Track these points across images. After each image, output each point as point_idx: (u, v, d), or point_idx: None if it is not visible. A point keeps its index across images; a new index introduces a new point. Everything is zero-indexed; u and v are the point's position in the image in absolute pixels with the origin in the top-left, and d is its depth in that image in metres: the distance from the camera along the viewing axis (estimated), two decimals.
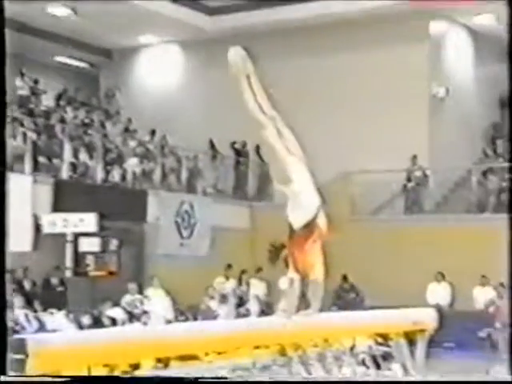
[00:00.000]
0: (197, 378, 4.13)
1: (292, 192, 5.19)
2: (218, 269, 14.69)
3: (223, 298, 13.62)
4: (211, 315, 13.03)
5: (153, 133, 16.94)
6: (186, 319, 12.20)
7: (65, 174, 13.80)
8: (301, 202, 5.16)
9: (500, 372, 10.95)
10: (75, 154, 14.26)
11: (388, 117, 16.80)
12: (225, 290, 14.03)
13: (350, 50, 17.12)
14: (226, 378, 4.03)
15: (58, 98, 16.94)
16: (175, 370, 10.40)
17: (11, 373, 3.48)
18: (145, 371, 9.30)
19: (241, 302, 14.24)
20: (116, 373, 4.34)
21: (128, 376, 3.68)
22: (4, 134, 3.69)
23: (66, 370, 6.57)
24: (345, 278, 14.96)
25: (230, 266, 14.83)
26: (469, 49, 18.42)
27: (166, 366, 10.27)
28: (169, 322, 11.44)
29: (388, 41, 16.92)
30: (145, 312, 11.38)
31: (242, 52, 5.35)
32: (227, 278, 14.60)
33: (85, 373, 7.68)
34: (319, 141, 17.23)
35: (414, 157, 16.44)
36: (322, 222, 5.26)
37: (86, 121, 16.01)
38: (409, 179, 16.51)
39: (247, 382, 4.45)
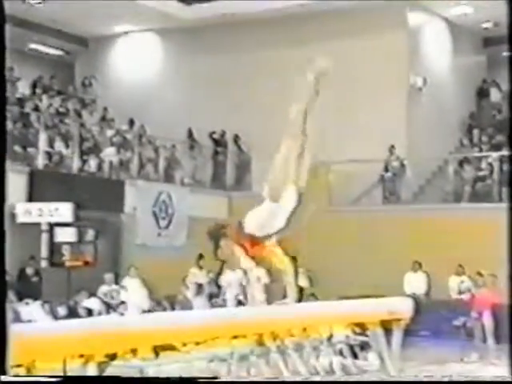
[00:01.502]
0: (196, 378, 4.10)
1: (272, 207, 5.15)
2: (195, 259, 14.64)
3: (199, 288, 13.61)
4: (188, 305, 13.01)
5: (131, 122, 16.83)
6: (164, 309, 12.17)
7: (40, 163, 13.66)
8: (274, 219, 5.13)
9: (474, 360, 11.08)
10: (51, 143, 14.12)
11: (366, 106, 16.84)
12: (199, 280, 13.99)
13: (327, 41, 17.10)
14: (223, 379, 4.00)
15: (33, 85, 16.75)
16: (153, 361, 10.38)
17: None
18: (121, 362, 9.26)
19: (218, 291, 14.21)
20: (91, 364, 4.29)
21: (127, 376, 3.64)
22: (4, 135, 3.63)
23: (41, 360, 6.52)
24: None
25: (201, 256, 14.68)
26: (446, 39, 18.49)
27: (143, 356, 10.24)
28: (145, 312, 11.39)
29: (366, 31, 16.94)
30: (122, 302, 11.32)
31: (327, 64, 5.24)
32: (200, 268, 14.46)
33: (60, 364, 7.63)
34: None
35: (392, 147, 16.49)
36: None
37: (62, 109, 15.84)
38: (386, 169, 16.57)
39: (246, 382, 4.43)
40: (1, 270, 3.43)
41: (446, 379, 9.31)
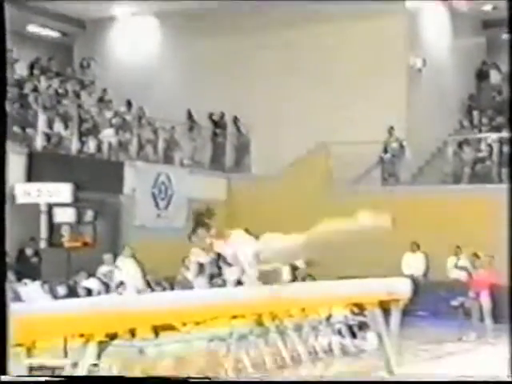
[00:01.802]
0: (197, 378, 4.12)
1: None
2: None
3: (201, 268, 13.63)
4: (188, 286, 13.03)
5: (129, 104, 16.77)
6: (164, 290, 12.19)
7: (39, 144, 13.64)
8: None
9: (472, 339, 11.16)
10: (49, 124, 14.09)
11: (365, 88, 16.79)
12: (201, 260, 14.00)
13: (328, 23, 17.02)
14: (223, 378, 4.02)
15: (31, 67, 16.67)
16: (153, 341, 10.44)
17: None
18: (122, 341, 9.32)
19: (219, 272, 14.23)
20: (92, 343, 4.31)
21: (127, 376, 3.66)
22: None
23: (42, 340, 6.56)
24: None
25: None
26: (446, 21, 18.42)
27: (144, 337, 10.32)
28: (142, 291, 11.43)
29: (365, 12, 16.84)
30: (121, 283, 11.35)
31: None
32: (203, 248, 14.44)
33: (60, 344, 7.67)
34: (297, 112, 17.26)
35: (391, 128, 16.47)
36: None
37: (60, 91, 15.79)
38: (385, 151, 16.56)
39: (246, 382, 4.44)
40: (1, 251, 3.44)
41: (443, 358, 9.40)
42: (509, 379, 3.72)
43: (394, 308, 6.48)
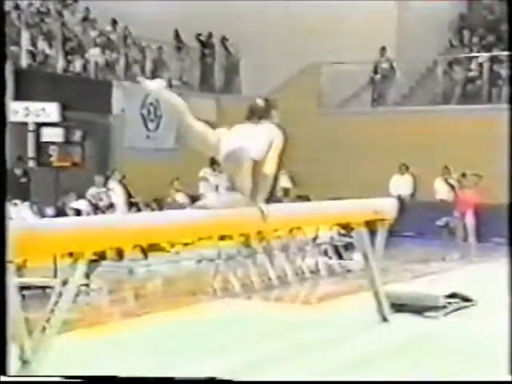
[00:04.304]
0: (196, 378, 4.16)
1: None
2: (184, 162, 14.65)
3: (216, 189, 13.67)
4: (177, 208, 13.11)
5: (114, 22, 16.43)
6: (152, 211, 12.26)
7: (24, 62, 13.42)
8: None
9: (455, 258, 11.37)
10: (33, 42, 13.83)
11: (355, 7, 16.49)
12: (213, 181, 14.01)
13: None
14: (222, 378, 4.05)
15: None
16: (142, 262, 10.54)
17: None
18: (112, 262, 9.41)
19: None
20: (81, 261, 4.35)
21: (127, 376, 3.68)
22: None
23: (32, 259, 6.63)
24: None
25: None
26: None
27: (133, 258, 10.40)
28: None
29: None
30: (110, 205, 11.40)
31: None
32: (214, 169, 14.41)
33: (50, 261, 7.74)
34: (286, 32, 16.98)
35: (383, 48, 16.27)
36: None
37: (42, 9, 15.43)
38: (375, 71, 16.41)
39: (246, 382, 4.48)
40: (2, 272, 3.40)
41: (428, 276, 9.58)
42: (509, 379, 3.80)
43: (380, 228, 6.55)
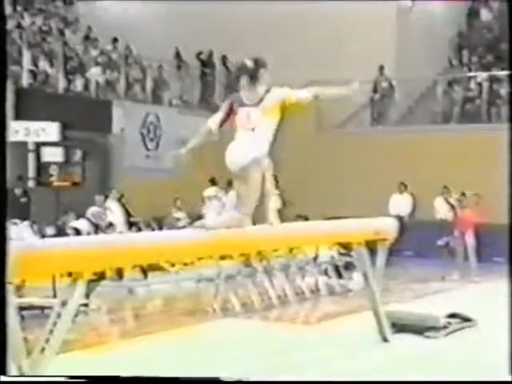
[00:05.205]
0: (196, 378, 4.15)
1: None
2: (184, 181, 14.66)
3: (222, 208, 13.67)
4: (177, 227, 13.11)
5: (115, 41, 16.51)
6: (152, 230, 12.25)
7: (25, 81, 13.47)
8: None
9: (456, 278, 11.33)
10: (35, 61, 13.89)
11: (355, 27, 16.58)
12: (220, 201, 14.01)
13: None
14: (222, 378, 4.03)
15: (14, 3, 16.32)
16: (142, 281, 10.52)
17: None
18: (111, 282, 9.37)
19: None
20: (80, 282, 4.34)
21: (128, 376, 3.67)
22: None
23: (31, 279, 6.61)
24: None
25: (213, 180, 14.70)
26: None
27: (133, 277, 10.35)
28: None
29: None
30: (110, 224, 11.38)
31: None
32: (220, 188, 14.40)
33: (49, 282, 7.71)
34: (287, 50, 17.05)
35: (381, 67, 16.34)
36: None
37: (44, 28, 15.52)
38: (375, 90, 16.46)
39: (247, 382, 4.46)
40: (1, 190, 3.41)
41: (428, 296, 9.55)
42: (509, 379, 3.78)
43: (380, 248, 6.54)
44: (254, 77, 5.12)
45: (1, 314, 3.34)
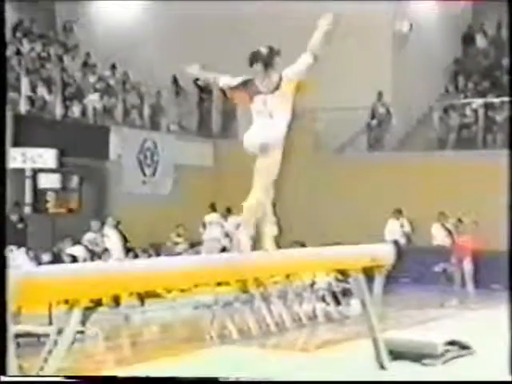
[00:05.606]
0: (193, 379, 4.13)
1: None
2: (181, 207, 14.67)
3: (225, 236, 13.67)
4: (177, 252, 13.11)
5: (113, 67, 16.60)
6: (149, 257, 12.23)
7: (23, 108, 13.51)
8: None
9: (453, 304, 11.29)
10: (33, 87, 13.93)
11: (352, 52, 16.68)
12: (220, 228, 14.01)
13: None
14: (222, 378, 4.00)
15: (14, 29, 16.43)
16: (138, 308, 10.46)
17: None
18: (107, 309, 9.32)
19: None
20: (77, 310, 4.32)
21: (127, 376, 3.66)
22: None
23: (27, 307, 6.57)
24: None
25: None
26: None
27: (129, 304, 10.30)
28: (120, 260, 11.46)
29: None
30: (105, 250, 11.35)
31: None
32: (222, 215, 14.42)
33: (46, 310, 7.67)
34: None
35: (380, 94, 16.43)
36: None
37: (43, 54, 15.59)
38: (372, 116, 16.53)
39: (247, 382, 4.44)
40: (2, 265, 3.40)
41: (426, 323, 9.51)
42: (509, 379, 3.76)
43: (377, 274, 6.53)
44: (268, 64, 5.23)
45: (1, 314, 3.32)
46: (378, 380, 4.32)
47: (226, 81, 5.33)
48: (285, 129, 5.24)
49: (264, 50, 5.23)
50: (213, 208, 14.61)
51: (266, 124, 5.14)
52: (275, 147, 5.19)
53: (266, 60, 5.18)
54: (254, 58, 5.22)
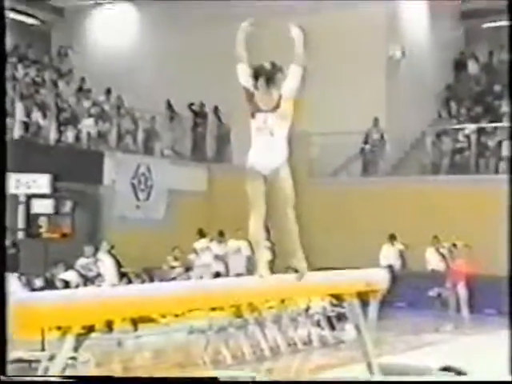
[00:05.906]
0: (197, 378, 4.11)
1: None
2: (174, 232, 14.63)
3: (218, 259, 13.62)
4: (171, 277, 13.06)
5: (108, 92, 16.65)
6: (143, 282, 12.17)
7: (17, 133, 13.51)
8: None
9: (448, 329, 11.25)
10: (27, 112, 13.96)
11: (345, 79, 16.79)
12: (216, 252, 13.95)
13: (306, 15, 16.97)
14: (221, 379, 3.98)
15: (9, 54, 16.49)
16: (132, 333, 10.38)
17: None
18: (100, 334, 9.26)
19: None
20: (70, 336, 4.28)
21: (126, 376, 3.64)
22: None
23: (19, 333, 6.51)
24: None
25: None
26: (425, 11, 18.48)
27: (123, 329, 10.23)
28: (114, 285, 11.39)
29: (346, 3, 16.82)
30: (98, 275, 11.30)
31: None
32: (215, 240, 14.35)
33: (38, 336, 7.61)
34: None
35: (376, 119, 16.51)
36: None
37: (38, 79, 15.64)
38: (366, 141, 16.60)
39: (247, 383, 4.41)
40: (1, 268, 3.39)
41: (421, 348, 9.47)
42: (509, 379, 3.73)
43: (372, 299, 6.50)
44: (270, 79, 5.20)
45: (1, 314, 3.29)
46: (380, 381, 4.27)
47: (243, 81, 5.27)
48: (286, 151, 5.23)
49: (267, 65, 5.24)
50: (201, 234, 14.48)
51: (268, 141, 5.13)
52: (284, 166, 5.17)
53: (269, 75, 5.19)
54: (258, 72, 5.22)
